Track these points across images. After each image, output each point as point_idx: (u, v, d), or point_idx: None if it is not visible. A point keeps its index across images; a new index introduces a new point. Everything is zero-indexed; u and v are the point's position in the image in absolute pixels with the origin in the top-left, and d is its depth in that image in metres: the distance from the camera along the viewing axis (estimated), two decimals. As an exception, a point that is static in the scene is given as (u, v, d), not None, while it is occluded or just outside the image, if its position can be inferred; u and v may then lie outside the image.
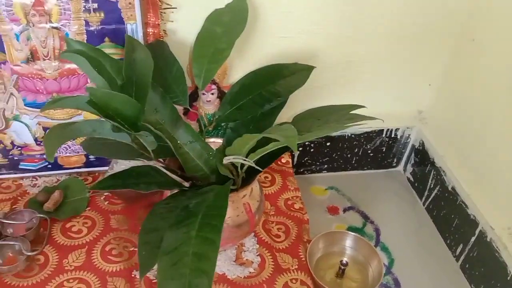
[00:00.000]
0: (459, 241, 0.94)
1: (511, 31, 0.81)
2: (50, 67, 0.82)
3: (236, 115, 0.76)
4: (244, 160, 0.59)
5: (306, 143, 1.07)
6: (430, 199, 1.05)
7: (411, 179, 1.14)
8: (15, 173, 0.92)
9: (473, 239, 0.90)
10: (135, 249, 0.80)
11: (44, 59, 0.81)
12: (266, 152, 0.61)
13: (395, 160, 1.16)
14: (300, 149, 1.08)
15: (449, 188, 0.97)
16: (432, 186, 1.04)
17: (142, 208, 0.87)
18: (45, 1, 0.77)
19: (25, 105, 0.85)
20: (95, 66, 0.64)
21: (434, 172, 1.03)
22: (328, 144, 1.08)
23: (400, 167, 1.18)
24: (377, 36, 0.95)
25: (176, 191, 0.69)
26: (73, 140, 0.90)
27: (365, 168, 1.16)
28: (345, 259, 0.83)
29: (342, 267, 0.82)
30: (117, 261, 0.78)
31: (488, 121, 0.88)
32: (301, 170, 1.13)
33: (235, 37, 0.76)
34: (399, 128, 1.09)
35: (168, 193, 0.76)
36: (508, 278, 0.80)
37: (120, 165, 0.88)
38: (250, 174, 0.70)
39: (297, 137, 0.50)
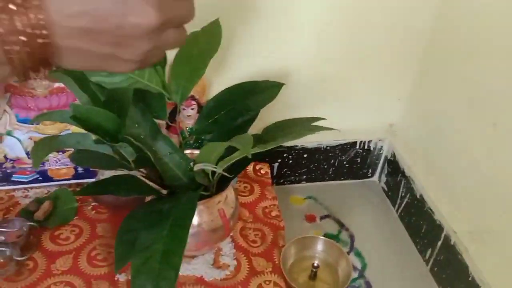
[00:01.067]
0: (428, 246, 1.00)
1: (470, 49, 0.87)
2: (40, 85, 0.89)
3: (212, 128, 0.83)
4: (213, 167, 0.65)
5: (284, 155, 1.13)
6: (402, 207, 1.11)
7: (385, 188, 1.20)
8: (8, 185, 0.97)
9: (439, 243, 0.95)
10: (118, 254, 0.86)
11: (35, 79, 0.88)
12: (234, 160, 0.67)
13: (370, 171, 1.22)
14: (279, 161, 1.14)
15: (418, 196, 1.03)
16: (403, 194, 1.10)
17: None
18: (37, 25, 0.84)
19: (17, 121, 0.91)
20: (79, 84, 0.70)
21: (405, 181, 1.09)
22: (305, 156, 1.15)
23: (375, 177, 1.24)
24: (348, 54, 1.01)
25: (154, 197, 0.75)
26: (62, 153, 0.96)
27: (342, 178, 1.22)
28: (316, 262, 0.88)
29: (314, 270, 0.87)
30: (102, 265, 0.83)
31: (451, 134, 0.94)
32: (281, 181, 1.19)
33: (209, 57, 0.82)
34: (371, 140, 1.16)
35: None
36: (470, 278, 0.86)
37: (106, 176, 0.94)
38: (223, 182, 0.76)
39: (251, 144, 0.56)
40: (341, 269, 0.88)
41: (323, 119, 0.75)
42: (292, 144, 1.12)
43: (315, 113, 1.04)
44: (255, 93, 0.83)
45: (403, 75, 1.07)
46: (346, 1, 0.93)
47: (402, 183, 1.10)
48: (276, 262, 0.87)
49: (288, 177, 1.19)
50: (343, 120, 1.10)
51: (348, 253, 1.02)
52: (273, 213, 0.99)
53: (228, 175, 0.66)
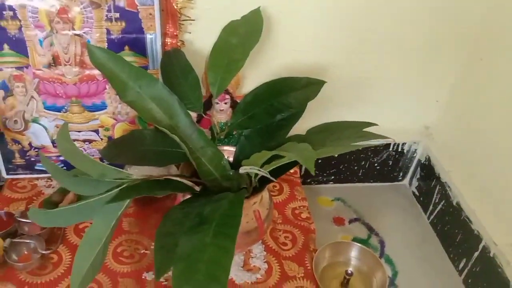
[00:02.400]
0: (463, 256, 0.96)
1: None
2: (70, 72, 0.85)
3: (248, 123, 0.79)
4: (259, 170, 0.61)
5: (314, 154, 1.09)
6: (434, 213, 1.07)
7: (416, 193, 1.15)
8: (31, 174, 0.94)
9: (476, 254, 0.91)
10: (146, 251, 0.82)
11: (65, 65, 0.84)
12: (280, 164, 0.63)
13: (401, 174, 1.18)
14: (308, 159, 1.10)
15: (454, 203, 0.99)
16: (437, 200, 1.06)
17: (153, 212, 0.89)
18: (69, 9, 0.80)
19: (44, 108, 0.88)
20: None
21: (440, 187, 1.05)
22: (336, 155, 1.10)
23: (406, 181, 1.19)
24: (387, 53, 0.97)
25: (189, 196, 0.71)
26: (89, 143, 0.93)
27: (371, 180, 1.18)
28: (350, 269, 0.84)
29: (347, 277, 0.84)
30: (128, 263, 0.80)
31: (494, 139, 0.90)
32: (308, 181, 1.15)
33: (249, 48, 0.78)
34: (406, 143, 1.11)
35: (180, 198, 0.78)
36: (510, 293, 0.82)
37: (134, 169, 0.90)
38: (261, 183, 0.73)
39: (315, 158, 0.51)
40: (376, 279, 0.85)
41: (375, 124, 0.70)
42: (324, 143, 1.07)
43: (351, 112, 1.01)
44: (295, 90, 0.79)
45: (443, 75, 1.02)
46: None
47: (437, 188, 1.06)
48: (308, 267, 0.84)
49: (316, 177, 1.15)
50: (379, 121, 1.05)
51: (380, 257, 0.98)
52: (303, 215, 0.95)
53: (273, 179, 0.62)
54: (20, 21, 0.79)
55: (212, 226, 0.55)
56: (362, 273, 0.87)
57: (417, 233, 1.07)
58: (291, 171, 1.05)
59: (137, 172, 0.88)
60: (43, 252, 0.77)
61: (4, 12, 0.78)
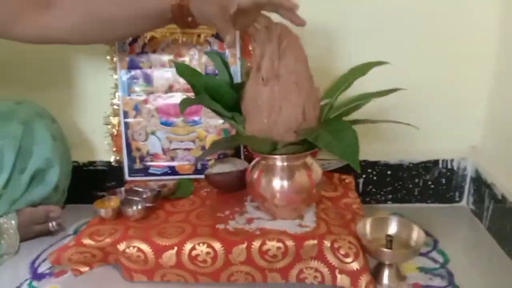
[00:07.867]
0: (514, 243, 1.00)
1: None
2: (180, 97, 1.22)
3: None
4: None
5: (369, 170, 1.26)
6: (488, 218, 1.13)
7: (473, 209, 1.22)
8: (145, 176, 1.27)
9: (523, 236, 0.96)
10: (220, 214, 1.05)
11: (177, 91, 1.23)
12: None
13: (457, 194, 1.27)
14: (364, 176, 1.27)
15: (499, 197, 1.07)
16: (488, 204, 1.13)
17: (229, 198, 1.14)
18: (182, 53, 1.21)
19: (160, 123, 1.24)
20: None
21: (488, 190, 1.13)
22: (389, 172, 1.26)
23: (464, 202, 1.27)
24: (422, 79, 1.19)
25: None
26: (188, 151, 1.25)
27: (429, 201, 1.28)
28: (390, 233, 0.95)
29: (389, 238, 0.94)
30: (207, 221, 1.02)
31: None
32: (367, 199, 1.30)
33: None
34: (454, 159, 1.24)
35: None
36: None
37: (215, 168, 1.18)
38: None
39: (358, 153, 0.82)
40: (413, 240, 0.94)
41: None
42: (375, 159, 1.25)
43: (398, 132, 1.19)
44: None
45: (477, 98, 1.20)
46: (421, 28, 1.16)
47: (486, 193, 1.14)
48: (353, 229, 0.97)
49: (374, 195, 1.29)
50: (426, 143, 1.23)
51: (431, 251, 1.06)
52: (355, 206, 1.10)
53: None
54: (151, 62, 1.22)
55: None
56: (402, 240, 0.96)
57: (471, 235, 1.13)
58: (347, 181, 1.22)
59: (220, 166, 1.16)
60: (147, 205, 1.05)
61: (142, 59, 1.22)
